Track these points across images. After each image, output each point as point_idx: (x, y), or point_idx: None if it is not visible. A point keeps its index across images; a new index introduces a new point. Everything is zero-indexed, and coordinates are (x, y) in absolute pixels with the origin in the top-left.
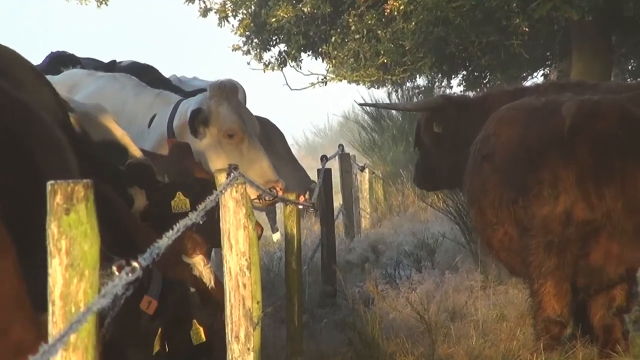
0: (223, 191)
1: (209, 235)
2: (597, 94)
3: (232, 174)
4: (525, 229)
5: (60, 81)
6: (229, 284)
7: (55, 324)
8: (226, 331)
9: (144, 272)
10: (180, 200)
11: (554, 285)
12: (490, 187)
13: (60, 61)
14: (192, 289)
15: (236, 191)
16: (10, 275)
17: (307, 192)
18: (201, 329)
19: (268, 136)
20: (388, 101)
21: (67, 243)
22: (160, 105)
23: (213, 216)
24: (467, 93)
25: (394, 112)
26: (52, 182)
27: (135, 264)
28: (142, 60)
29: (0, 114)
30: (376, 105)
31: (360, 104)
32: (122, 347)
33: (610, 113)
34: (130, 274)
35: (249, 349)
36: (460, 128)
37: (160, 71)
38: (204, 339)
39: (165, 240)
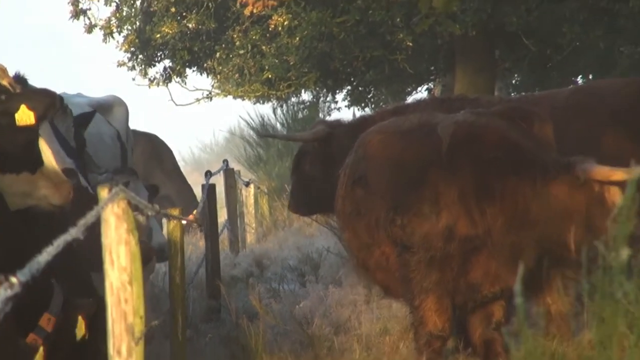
0: (104, 206)
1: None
2: (479, 108)
3: (113, 189)
4: (405, 247)
5: None
6: (110, 299)
7: None
8: (108, 346)
9: (47, 289)
10: (24, 114)
11: (435, 300)
12: (365, 210)
13: None
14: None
15: (117, 206)
16: None
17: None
18: (83, 323)
19: (157, 153)
20: (273, 116)
21: None
22: None
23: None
24: (352, 108)
25: (278, 126)
26: None
27: (13, 279)
28: (28, 77)
29: None
30: (273, 136)
31: (262, 136)
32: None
33: (486, 135)
34: (9, 290)
35: None
36: (337, 153)
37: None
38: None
39: (45, 255)
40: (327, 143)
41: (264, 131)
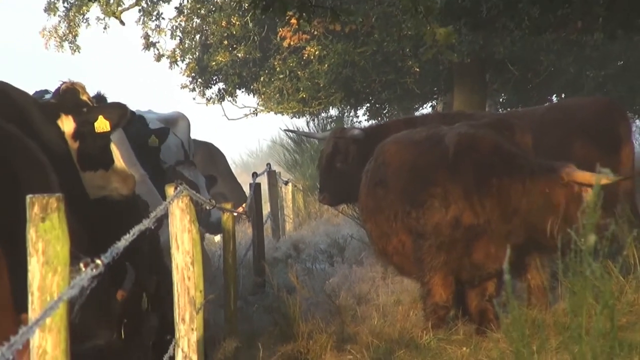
0: (171, 202)
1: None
2: (474, 121)
3: (178, 187)
4: (419, 235)
5: None
6: (176, 277)
7: (34, 310)
8: (174, 315)
9: (122, 271)
10: (101, 122)
11: (442, 277)
12: (385, 205)
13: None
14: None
15: (182, 201)
16: None
17: (245, 204)
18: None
19: (213, 158)
20: (307, 128)
21: (43, 245)
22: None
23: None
24: (370, 121)
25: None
26: (30, 195)
27: (98, 261)
28: (108, 95)
29: None
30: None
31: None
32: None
33: (484, 144)
34: (94, 270)
35: (192, 329)
36: (365, 153)
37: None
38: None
39: (123, 242)
40: (361, 144)
41: (299, 140)
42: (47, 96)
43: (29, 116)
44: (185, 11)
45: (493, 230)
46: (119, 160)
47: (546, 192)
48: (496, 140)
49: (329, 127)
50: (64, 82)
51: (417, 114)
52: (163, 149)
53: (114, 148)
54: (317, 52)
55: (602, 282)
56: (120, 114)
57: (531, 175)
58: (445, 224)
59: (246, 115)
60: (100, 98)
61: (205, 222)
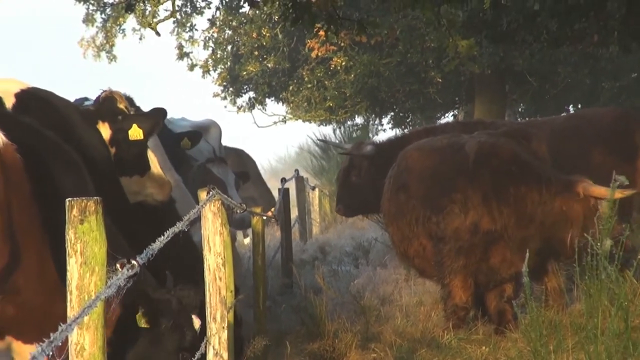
0: (203, 205)
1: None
2: (494, 130)
3: (210, 192)
4: (439, 239)
5: None
6: (208, 277)
7: (72, 309)
8: (206, 313)
9: (162, 276)
10: (135, 130)
11: (461, 280)
12: (407, 210)
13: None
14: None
15: (214, 205)
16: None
17: (273, 208)
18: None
19: (243, 163)
20: (333, 136)
21: (81, 246)
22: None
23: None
24: (394, 129)
25: (337, 142)
26: (69, 199)
27: (134, 262)
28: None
29: (37, 146)
30: (329, 144)
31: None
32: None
33: (503, 152)
34: (130, 270)
35: (223, 327)
36: (379, 167)
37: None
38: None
39: (157, 244)
40: (372, 160)
41: (326, 147)
42: (87, 103)
43: (71, 122)
44: (218, 23)
45: (510, 236)
46: (155, 167)
47: (563, 208)
48: (515, 150)
49: (354, 135)
50: (104, 91)
51: (438, 122)
52: (197, 154)
53: (150, 155)
54: (343, 63)
55: (617, 285)
56: (154, 123)
57: (547, 186)
58: (464, 229)
59: (275, 122)
60: (127, 99)
61: (230, 218)
